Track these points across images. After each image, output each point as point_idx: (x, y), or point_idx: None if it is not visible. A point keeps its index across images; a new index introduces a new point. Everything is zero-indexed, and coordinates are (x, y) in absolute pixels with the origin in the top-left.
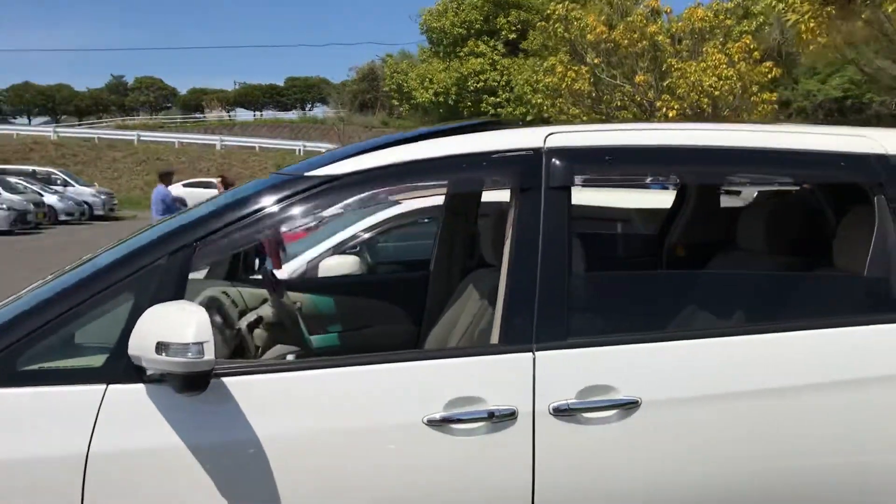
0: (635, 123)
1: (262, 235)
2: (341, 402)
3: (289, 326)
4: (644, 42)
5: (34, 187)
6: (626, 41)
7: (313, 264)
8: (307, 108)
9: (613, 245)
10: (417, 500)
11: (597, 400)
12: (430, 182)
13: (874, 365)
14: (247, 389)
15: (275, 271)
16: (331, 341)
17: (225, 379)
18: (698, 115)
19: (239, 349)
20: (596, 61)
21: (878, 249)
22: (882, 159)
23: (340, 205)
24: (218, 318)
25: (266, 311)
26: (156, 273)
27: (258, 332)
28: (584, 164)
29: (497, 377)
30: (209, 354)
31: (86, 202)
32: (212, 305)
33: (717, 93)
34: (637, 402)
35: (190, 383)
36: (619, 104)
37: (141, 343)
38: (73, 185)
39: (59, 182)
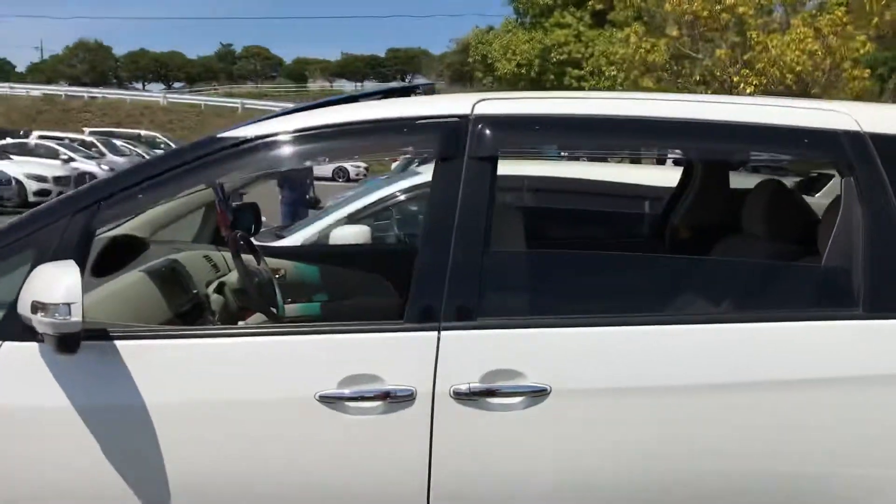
0: (578, 93)
1: (168, 196)
2: (232, 372)
3: (252, 293)
4: (725, 15)
5: (138, 150)
6: (706, 13)
7: (325, 233)
8: (406, 80)
9: (617, 224)
10: (307, 479)
11: (502, 385)
12: (349, 147)
13: (810, 365)
14: (139, 354)
15: (225, 235)
16: (312, 310)
17: (118, 342)
18: (782, 93)
19: (200, 313)
20: (675, 34)
21: (839, 238)
22: (853, 137)
23: (251, 167)
24: (168, 282)
25: (233, 277)
26: (57, 231)
27: (215, 297)
28: (511, 133)
29: (398, 356)
30: (76, 316)
31: None
32: (167, 268)
33: (798, 68)
34: (546, 389)
35: (60, 344)
36: (698, 79)
37: (25, 302)
38: None
39: (162, 146)
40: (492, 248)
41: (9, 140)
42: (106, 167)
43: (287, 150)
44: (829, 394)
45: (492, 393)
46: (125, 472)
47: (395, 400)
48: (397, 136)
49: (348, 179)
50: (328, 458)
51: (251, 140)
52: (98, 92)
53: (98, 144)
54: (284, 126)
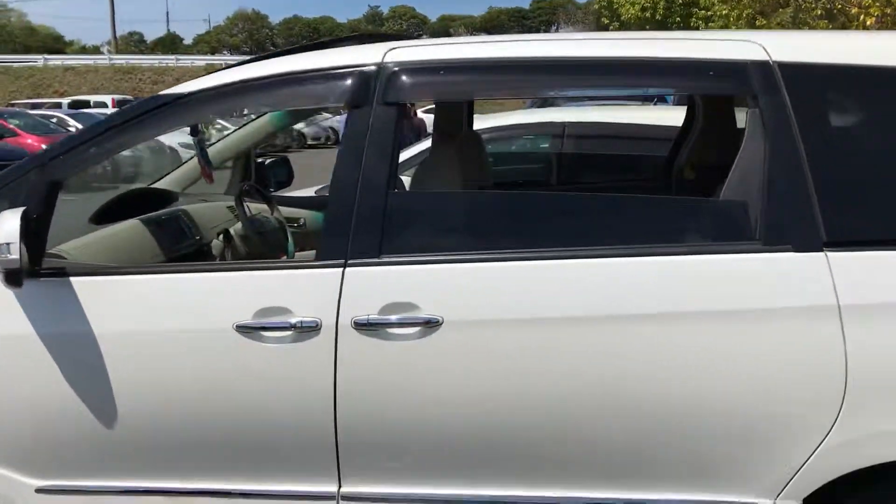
0: (491, 37)
1: (118, 149)
2: (162, 304)
3: (254, 239)
4: None
5: None
6: None
7: None
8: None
9: (629, 166)
10: (228, 402)
11: (399, 317)
12: (271, 99)
13: (706, 299)
14: (89, 288)
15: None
16: None
17: (73, 278)
18: None
19: (203, 259)
20: None
21: (739, 171)
22: (760, 67)
23: (187, 120)
24: (168, 229)
25: (240, 226)
26: (23, 183)
27: (216, 243)
28: (419, 80)
29: (306, 290)
30: (14, 254)
31: (331, 128)
32: (170, 217)
33: None
34: (439, 321)
35: (6, 278)
36: (820, 13)
37: None
38: (321, 113)
39: None
40: (396, 191)
41: None
42: None
43: (216, 104)
44: (724, 327)
45: (389, 324)
46: (74, 393)
47: (303, 330)
48: (314, 86)
49: None
50: (247, 384)
51: (186, 96)
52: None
53: None
54: (216, 81)
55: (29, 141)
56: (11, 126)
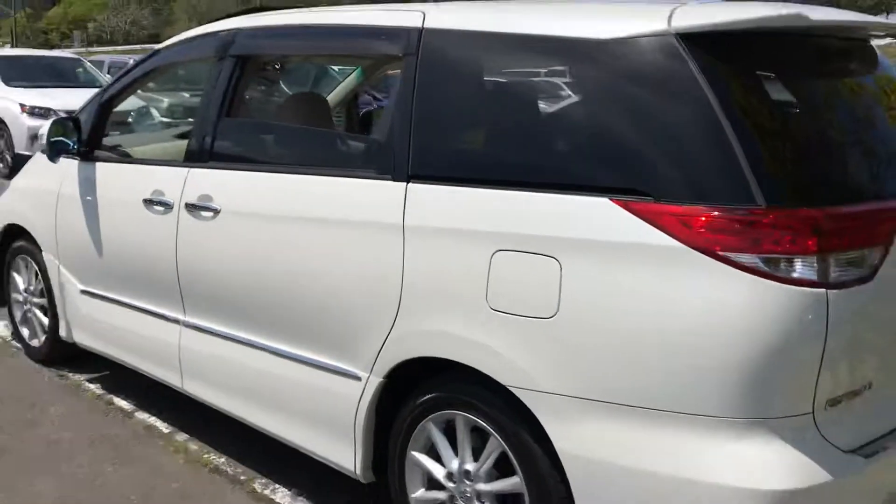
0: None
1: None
2: (116, 182)
3: None
4: None
5: None
6: None
7: None
8: None
9: None
10: (132, 245)
11: (202, 204)
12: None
13: (310, 209)
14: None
15: None
16: None
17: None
18: None
19: None
20: None
21: (383, 114)
22: (414, 33)
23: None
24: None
25: None
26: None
27: None
28: None
29: (172, 181)
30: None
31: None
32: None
33: None
34: (219, 209)
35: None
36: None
37: None
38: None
39: None
40: (226, 120)
41: None
42: None
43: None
44: (334, 234)
45: (198, 207)
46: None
47: (166, 206)
48: None
49: None
50: (143, 235)
51: None
52: None
53: None
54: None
55: None
56: None
